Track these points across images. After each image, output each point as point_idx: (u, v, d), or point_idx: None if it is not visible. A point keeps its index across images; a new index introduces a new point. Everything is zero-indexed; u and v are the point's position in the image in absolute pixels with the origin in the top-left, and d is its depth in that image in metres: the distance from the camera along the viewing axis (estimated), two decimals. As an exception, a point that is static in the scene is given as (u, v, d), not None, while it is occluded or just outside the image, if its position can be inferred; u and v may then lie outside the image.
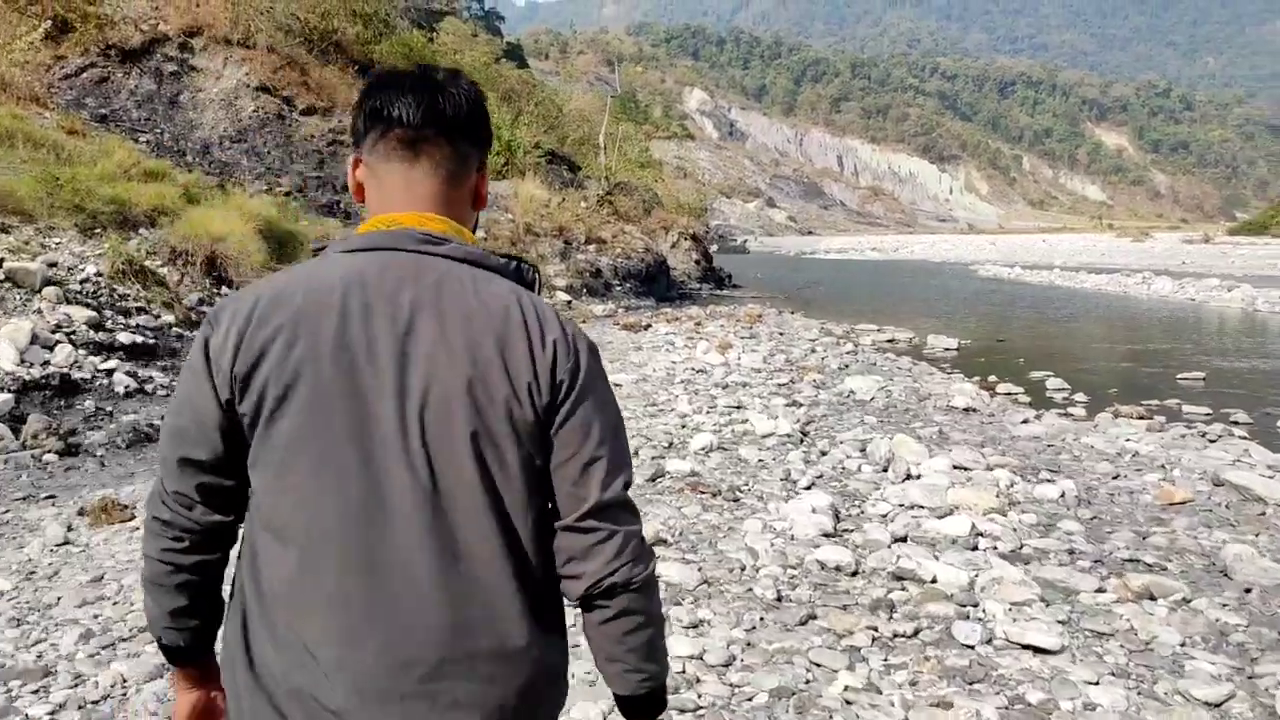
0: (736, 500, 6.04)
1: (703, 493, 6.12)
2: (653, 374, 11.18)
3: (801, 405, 9.43)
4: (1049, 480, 6.59)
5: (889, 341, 16.60)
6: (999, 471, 6.56)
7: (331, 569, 1.27)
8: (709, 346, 13.26)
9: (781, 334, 16.40)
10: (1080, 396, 11.04)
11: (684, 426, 8.24)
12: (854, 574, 4.63)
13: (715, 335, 15.47)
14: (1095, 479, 6.80)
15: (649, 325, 16.96)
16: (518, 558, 1.32)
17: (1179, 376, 12.73)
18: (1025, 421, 9.18)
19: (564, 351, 1.34)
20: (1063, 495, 6.12)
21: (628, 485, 1.38)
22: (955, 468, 6.63)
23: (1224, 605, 4.29)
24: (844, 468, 6.91)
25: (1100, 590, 4.42)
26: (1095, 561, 4.91)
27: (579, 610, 1.38)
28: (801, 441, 7.83)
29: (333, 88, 23.31)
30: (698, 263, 31.06)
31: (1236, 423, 9.47)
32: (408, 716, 1.27)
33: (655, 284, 24.62)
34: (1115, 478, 6.86)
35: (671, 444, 7.59)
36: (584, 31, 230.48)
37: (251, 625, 1.32)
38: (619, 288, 22.69)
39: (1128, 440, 8.13)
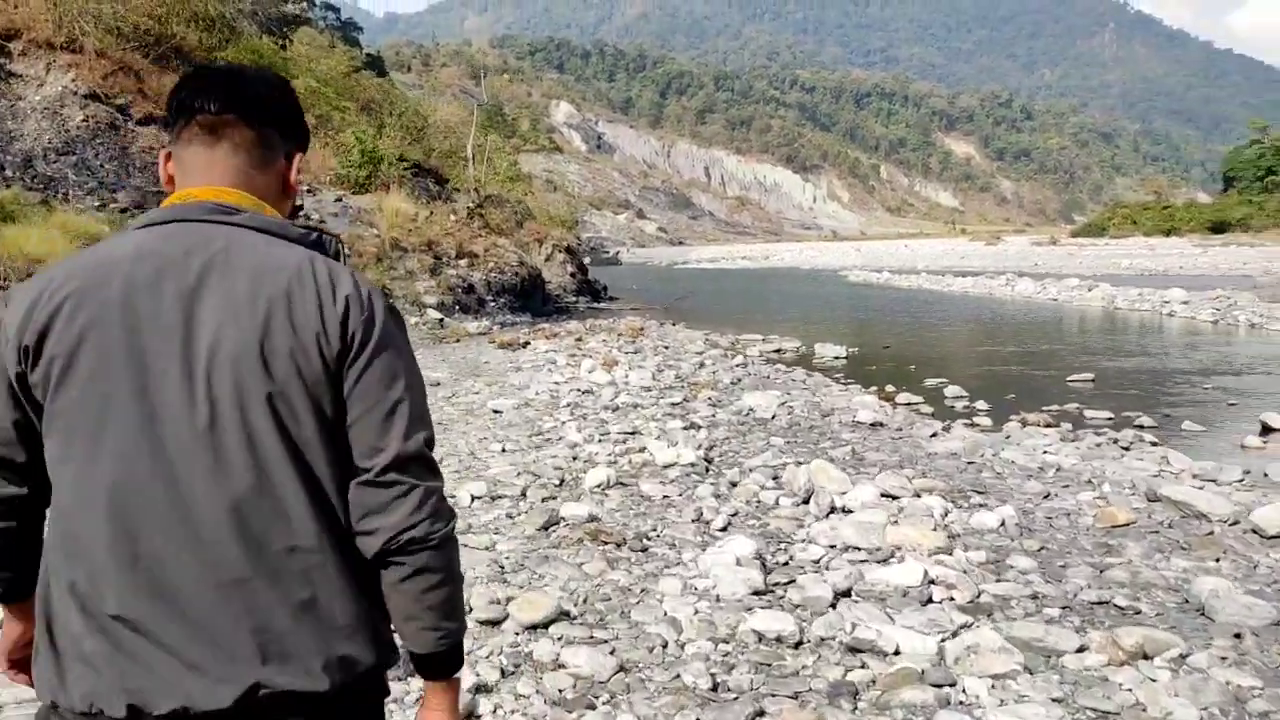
0: (645, 550, 5.22)
1: (606, 543, 5.28)
2: (536, 397, 10.29)
3: (700, 427, 8.70)
4: (983, 506, 6.02)
5: (776, 352, 16.12)
6: (930, 499, 5.94)
7: (109, 531, 1.27)
8: (594, 364, 12.44)
9: (667, 348, 15.72)
10: (981, 404, 10.67)
11: (576, 459, 7.39)
12: (798, 645, 3.87)
13: (598, 351, 14.67)
14: (1028, 500, 6.27)
15: (527, 343, 16.03)
16: (318, 510, 1.32)
17: (1069, 379, 12.58)
18: (935, 435, 8.68)
19: (356, 305, 1.34)
20: (1003, 524, 5.53)
21: (429, 443, 1.37)
22: (883, 495, 5.99)
23: (1224, 660, 3.71)
24: (759, 502, 6.18)
25: (1083, 649, 3.78)
26: (1063, 608, 4.29)
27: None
28: (707, 471, 7.08)
29: (174, 96, 21.74)
30: (573, 275, 30.25)
31: (1142, 427, 9.21)
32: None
33: (531, 299, 23.70)
34: (1046, 497, 6.34)
35: (563, 481, 6.73)
36: (447, 44, 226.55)
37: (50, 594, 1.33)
38: (493, 303, 21.67)
39: (1046, 452, 7.69)
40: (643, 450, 7.61)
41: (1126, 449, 8.00)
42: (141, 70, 21.45)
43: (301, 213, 20.44)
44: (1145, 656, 3.69)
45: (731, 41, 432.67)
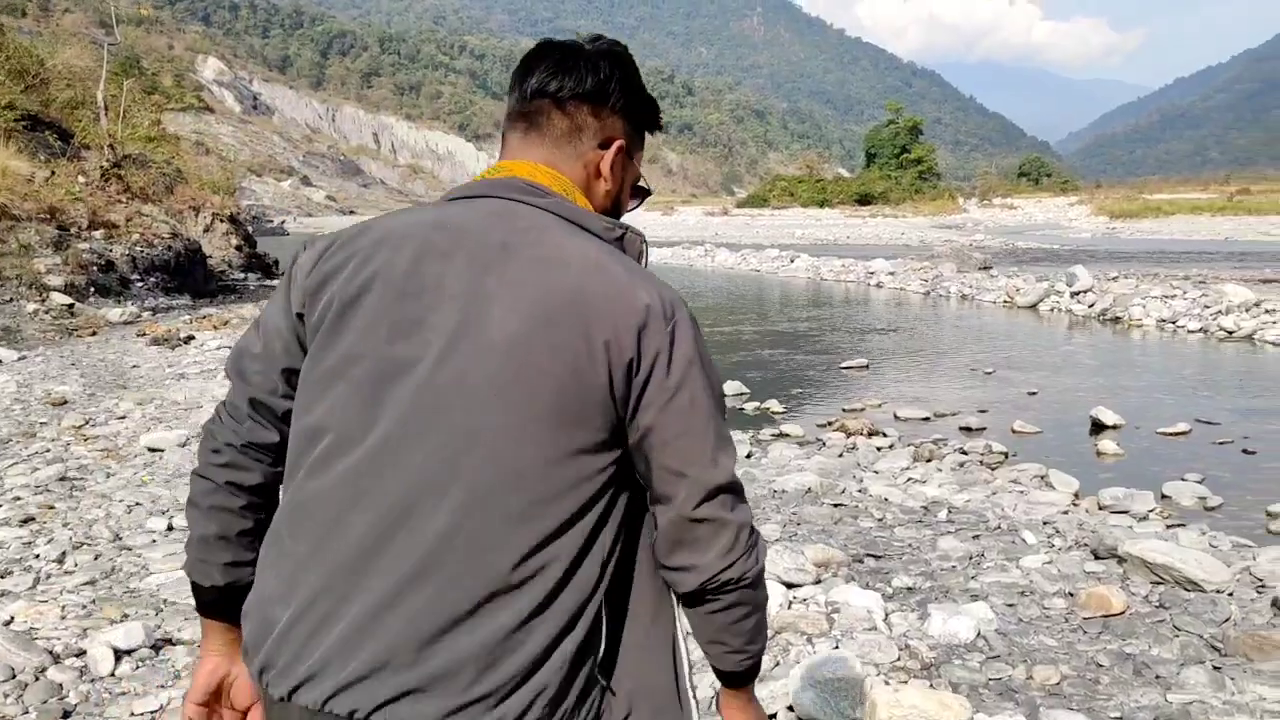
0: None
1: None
2: (212, 427, 7.45)
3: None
4: (912, 590, 4.25)
5: (500, 339, 13.89)
6: (848, 590, 4.07)
7: (332, 494, 1.14)
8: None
9: (371, 339, 13.04)
10: (774, 405, 9.11)
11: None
12: None
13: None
14: (951, 568, 4.59)
15: (191, 336, 12.70)
16: (535, 531, 1.09)
17: (843, 365, 11.41)
18: (750, 456, 6.95)
19: (659, 317, 1.14)
20: (979, 635, 3.78)
21: (734, 465, 1.19)
22: (786, 585, 4.06)
23: None
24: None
25: None
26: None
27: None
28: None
29: None
30: (239, 249, 26.17)
31: (970, 429, 8.02)
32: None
33: (189, 277, 19.78)
34: (973, 558, 4.71)
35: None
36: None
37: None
38: (141, 284, 17.66)
39: (913, 480, 6.15)
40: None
41: (989, 466, 6.67)
42: None
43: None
44: None
45: (396, 3, 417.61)
